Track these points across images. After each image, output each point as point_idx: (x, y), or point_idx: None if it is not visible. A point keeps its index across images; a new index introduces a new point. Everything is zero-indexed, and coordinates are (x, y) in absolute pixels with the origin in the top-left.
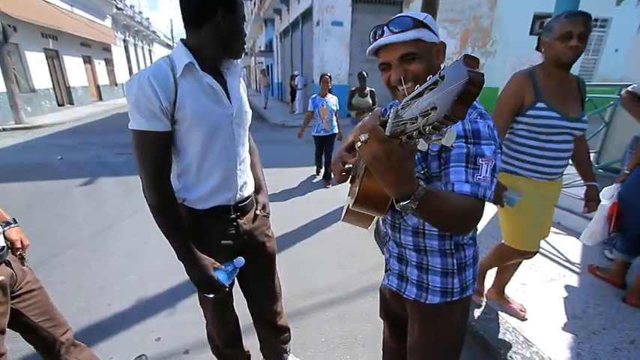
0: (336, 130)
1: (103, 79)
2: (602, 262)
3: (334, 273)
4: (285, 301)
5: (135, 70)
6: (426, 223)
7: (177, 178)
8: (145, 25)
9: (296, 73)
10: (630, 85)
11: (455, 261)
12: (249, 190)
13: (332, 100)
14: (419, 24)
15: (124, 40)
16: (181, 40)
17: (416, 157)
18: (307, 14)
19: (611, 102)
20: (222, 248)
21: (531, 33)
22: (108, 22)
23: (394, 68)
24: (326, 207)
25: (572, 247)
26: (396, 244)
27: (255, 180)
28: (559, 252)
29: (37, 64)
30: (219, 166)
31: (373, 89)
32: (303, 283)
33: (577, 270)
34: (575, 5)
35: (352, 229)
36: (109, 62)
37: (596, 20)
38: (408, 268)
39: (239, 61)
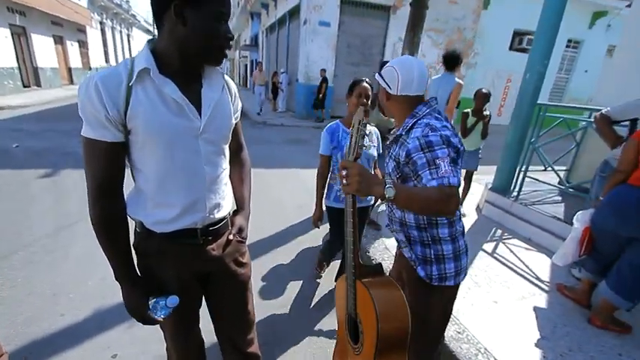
0: (368, 201)
1: (75, 61)
2: (569, 280)
3: (309, 284)
4: (257, 313)
5: (111, 55)
6: (407, 216)
7: (134, 196)
8: (125, 7)
9: (282, 70)
10: (601, 108)
11: (432, 251)
12: (223, 211)
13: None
14: (380, 75)
15: (101, 23)
16: (148, 40)
17: (392, 165)
18: (295, 12)
19: (583, 123)
20: (183, 277)
21: (511, 48)
22: (83, 2)
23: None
24: (305, 212)
25: (542, 265)
26: (400, 226)
27: (237, 199)
28: (530, 270)
29: (0, 40)
30: (182, 186)
31: None
32: (276, 294)
33: (546, 288)
34: (554, 24)
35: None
36: (83, 44)
37: (569, 41)
38: (407, 247)
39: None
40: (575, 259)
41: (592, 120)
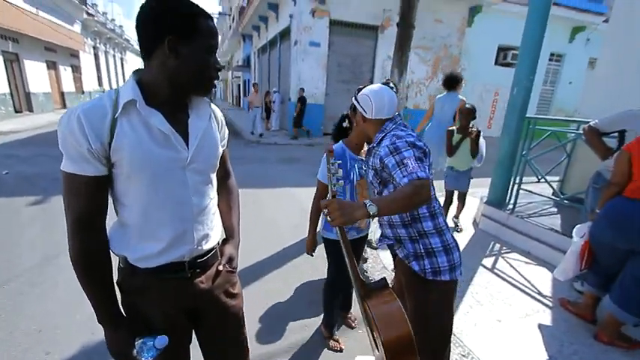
0: (368, 229)
1: (68, 85)
2: (572, 294)
3: (304, 309)
4: (250, 340)
5: (104, 78)
6: (393, 217)
7: (117, 230)
8: (118, 32)
9: (274, 90)
10: (589, 120)
11: (421, 246)
12: (212, 242)
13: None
14: (356, 99)
15: (94, 47)
16: (134, 71)
17: (372, 173)
18: (285, 33)
19: (572, 135)
20: (171, 314)
21: (496, 63)
22: (77, 28)
23: None
24: (300, 232)
25: (543, 279)
26: (390, 233)
27: (226, 228)
28: (532, 285)
29: None
30: (168, 219)
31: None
32: (270, 320)
33: (550, 304)
34: (538, 41)
35: (324, 260)
36: (76, 69)
37: (552, 55)
38: (400, 248)
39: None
40: (577, 273)
41: (581, 132)
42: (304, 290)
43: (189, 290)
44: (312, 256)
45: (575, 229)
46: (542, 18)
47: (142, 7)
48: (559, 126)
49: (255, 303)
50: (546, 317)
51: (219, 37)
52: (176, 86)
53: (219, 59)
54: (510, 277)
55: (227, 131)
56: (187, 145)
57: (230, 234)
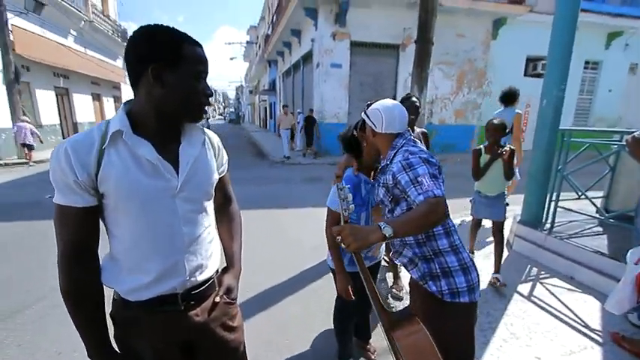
0: (381, 256)
1: (110, 114)
2: (626, 328)
3: (323, 337)
4: None
5: None
6: (406, 237)
7: (108, 262)
8: None
9: (298, 110)
10: (633, 130)
11: (437, 265)
12: (207, 272)
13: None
14: (366, 114)
15: None
16: (125, 102)
17: (383, 191)
18: (308, 57)
19: (615, 146)
20: (164, 349)
21: (525, 74)
22: (119, 62)
23: None
24: (321, 254)
25: (591, 309)
26: (402, 255)
27: (226, 256)
28: (577, 316)
29: (46, 101)
30: (158, 250)
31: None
32: (287, 348)
33: (599, 340)
34: (568, 50)
35: None
36: (117, 99)
37: (587, 63)
38: (414, 269)
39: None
40: (633, 304)
41: (624, 143)
42: (323, 317)
43: (183, 323)
44: (352, 298)
45: (628, 254)
46: (570, 25)
47: (128, 38)
48: (598, 137)
49: (270, 328)
50: (596, 355)
51: (249, 65)
52: (163, 115)
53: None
54: (551, 306)
55: (226, 156)
56: (178, 173)
57: (230, 263)
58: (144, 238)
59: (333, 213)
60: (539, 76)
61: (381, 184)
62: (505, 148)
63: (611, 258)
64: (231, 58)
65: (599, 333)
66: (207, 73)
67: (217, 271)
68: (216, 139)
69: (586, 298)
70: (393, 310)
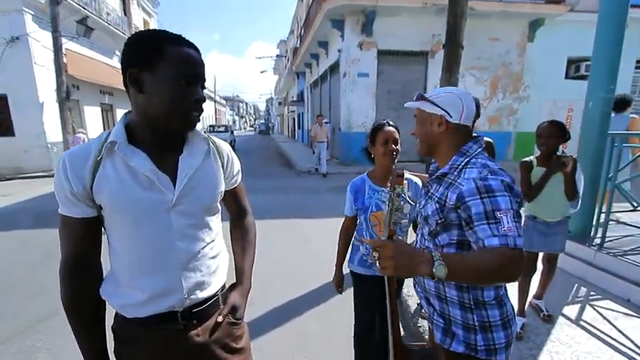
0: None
1: None
2: None
3: (345, 354)
4: None
5: None
6: None
7: (108, 276)
8: None
9: (325, 121)
10: None
11: (475, 317)
12: (210, 290)
13: (405, 187)
14: (422, 98)
15: None
16: (127, 112)
17: (433, 208)
18: (335, 67)
19: None
20: None
21: (567, 77)
22: None
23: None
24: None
25: None
26: (422, 289)
27: (236, 271)
28: (635, 344)
29: (93, 116)
30: (151, 267)
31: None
32: None
33: None
34: (616, 48)
35: None
36: None
37: (639, 62)
38: (435, 314)
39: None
40: None
41: None
42: (346, 332)
43: (182, 344)
44: (340, 293)
45: None
46: (618, 22)
47: None
48: None
49: (289, 344)
50: None
51: (278, 78)
52: (151, 123)
53: (280, 99)
54: (604, 332)
55: (238, 167)
56: (175, 185)
57: (239, 279)
58: (138, 253)
59: (347, 219)
60: (582, 78)
61: (434, 199)
62: (566, 157)
63: None
64: (262, 72)
65: None
66: (197, 76)
67: (223, 287)
68: (226, 149)
69: None
70: (421, 332)
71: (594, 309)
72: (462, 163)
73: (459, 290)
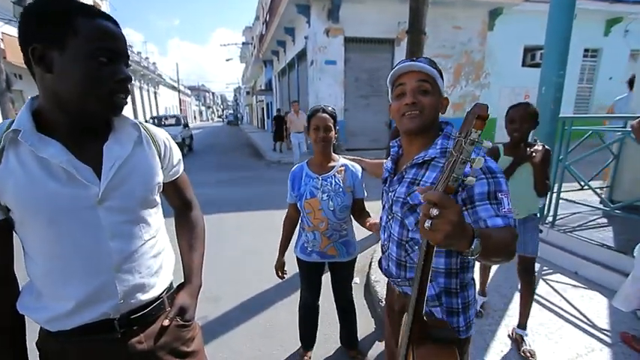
0: (348, 256)
1: None
2: (636, 326)
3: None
4: None
5: (139, 111)
6: (436, 264)
7: (26, 287)
8: (152, 69)
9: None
10: (638, 115)
11: (460, 300)
12: (153, 292)
13: (341, 176)
14: (438, 70)
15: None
16: (33, 96)
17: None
18: (302, 54)
19: (619, 133)
20: None
21: (523, 64)
22: None
23: (409, 94)
24: None
25: (597, 307)
26: (402, 277)
27: (184, 269)
28: (583, 315)
29: None
30: (78, 272)
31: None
32: (278, 357)
33: (608, 340)
34: (565, 36)
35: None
36: None
37: (587, 51)
38: None
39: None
40: None
41: (629, 129)
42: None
43: (122, 353)
44: (280, 278)
45: (637, 248)
46: (567, 11)
47: None
48: (601, 124)
49: (260, 337)
50: (604, 358)
51: (244, 66)
52: (63, 108)
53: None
54: (555, 304)
55: (178, 156)
56: (101, 178)
57: (187, 278)
58: (59, 257)
59: (290, 206)
60: (537, 65)
61: (420, 183)
62: (536, 146)
63: (618, 251)
64: (227, 60)
65: (608, 333)
66: (119, 52)
67: (170, 288)
68: (162, 136)
69: (592, 294)
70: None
71: (547, 283)
72: (446, 145)
73: (448, 277)
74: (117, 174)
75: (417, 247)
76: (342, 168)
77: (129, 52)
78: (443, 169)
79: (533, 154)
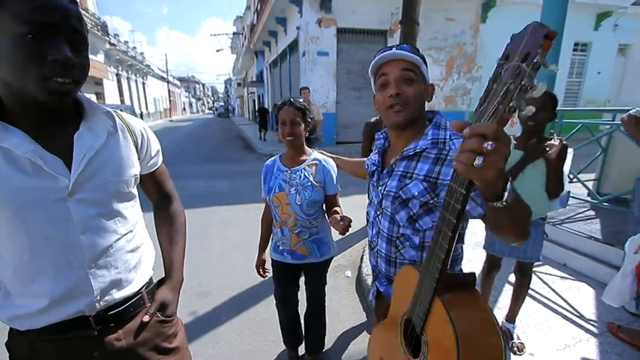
0: (320, 256)
1: None
2: (622, 317)
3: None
4: None
5: (127, 102)
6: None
7: None
8: (140, 59)
9: None
10: (628, 108)
11: None
12: (131, 287)
13: (311, 170)
14: (421, 56)
15: (117, 74)
16: None
17: (421, 188)
18: (294, 45)
19: (607, 126)
20: None
21: None
22: (100, 57)
23: (392, 84)
24: None
25: (585, 298)
26: (389, 280)
27: (164, 264)
28: (571, 305)
29: None
30: (47, 268)
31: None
32: (267, 352)
33: (595, 331)
34: (557, 28)
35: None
36: (99, 95)
37: (577, 45)
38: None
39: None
40: (633, 296)
41: (618, 122)
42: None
43: (99, 351)
44: (261, 277)
45: (627, 243)
46: (561, 1)
47: None
48: (590, 117)
49: (247, 332)
50: (592, 348)
51: (236, 56)
52: (14, 93)
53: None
54: (543, 296)
55: (156, 146)
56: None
57: (168, 273)
58: (27, 253)
59: (265, 201)
60: None
61: (418, 178)
62: (552, 141)
63: (606, 243)
64: (218, 50)
65: (595, 323)
66: (53, 27)
67: (150, 283)
68: (138, 125)
69: (580, 286)
70: None
71: (535, 274)
72: (447, 136)
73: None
74: (88, 165)
75: (407, 244)
76: (314, 162)
77: (115, 41)
78: (490, 99)
79: (548, 149)
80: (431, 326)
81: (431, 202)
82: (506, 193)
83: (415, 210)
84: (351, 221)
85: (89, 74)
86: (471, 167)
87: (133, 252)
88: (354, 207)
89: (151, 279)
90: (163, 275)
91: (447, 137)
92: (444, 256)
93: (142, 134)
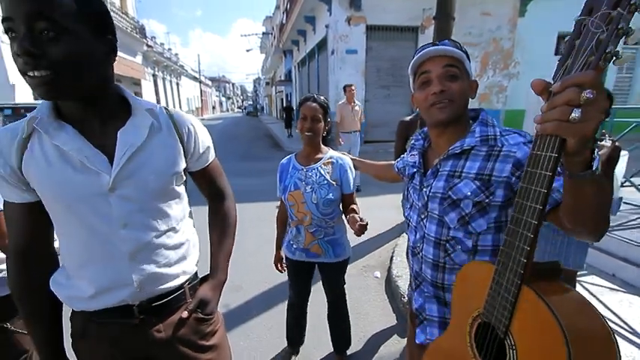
0: (335, 257)
1: None
2: None
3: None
4: None
5: (162, 102)
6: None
7: (61, 268)
8: (174, 60)
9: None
10: None
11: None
12: (174, 282)
13: (328, 168)
14: (464, 51)
15: (154, 75)
16: None
17: (473, 187)
18: (322, 44)
19: None
20: None
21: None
22: (139, 59)
23: (435, 81)
24: None
25: (636, 312)
26: (435, 287)
27: (210, 261)
28: (622, 320)
29: None
30: (93, 258)
31: None
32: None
33: None
34: None
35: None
36: (138, 95)
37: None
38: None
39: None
40: None
41: None
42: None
43: (140, 339)
44: (279, 271)
45: None
46: None
47: None
48: None
49: (277, 327)
50: None
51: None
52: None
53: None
54: None
55: (206, 143)
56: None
57: (212, 271)
58: (77, 243)
59: (281, 200)
60: None
61: (469, 177)
62: (604, 142)
63: None
64: (248, 50)
65: None
66: (17, 19)
67: (194, 279)
68: (186, 121)
69: (632, 299)
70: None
71: (580, 284)
72: (497, 133)
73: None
74: (128, 162)
75: (459, 247)
76: (330, 160)
77: (152, 43)
78: (575, 55)
79: (598, 150)
80: (520, 325)
81: (485, 201)
82: (595, 162)
83: (468, 210)
84: (367, 224)
85: (128, 75)
86: (564, 124)
87: (174, 249)
88: (374, 207)
89: (195, 275)
90: (208, 272)
91: (498, 134)
92: (532, 235)
93: (190, 130)
